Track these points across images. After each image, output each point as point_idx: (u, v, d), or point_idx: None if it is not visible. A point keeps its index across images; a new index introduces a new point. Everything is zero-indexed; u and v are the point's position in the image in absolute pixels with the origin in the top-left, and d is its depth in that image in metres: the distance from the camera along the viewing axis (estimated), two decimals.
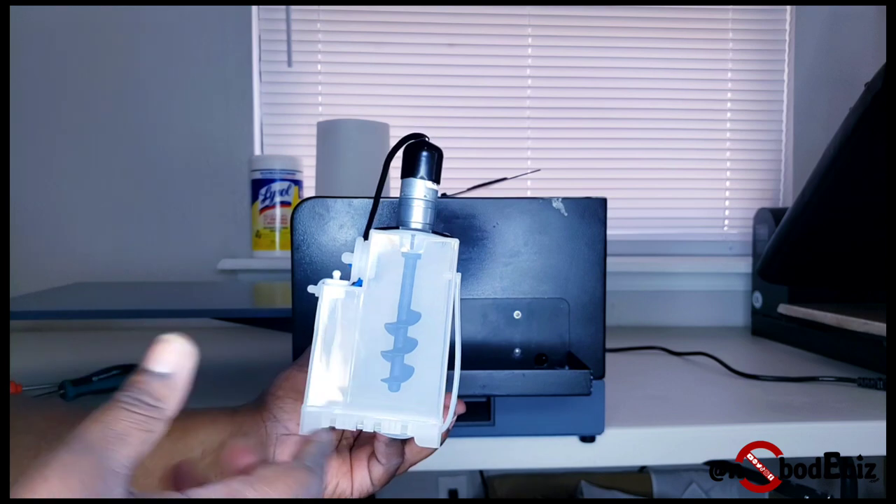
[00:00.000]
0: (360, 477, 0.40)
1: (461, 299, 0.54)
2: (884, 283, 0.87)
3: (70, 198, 1.26)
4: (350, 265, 0.39)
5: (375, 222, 0.42)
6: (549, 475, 1.31)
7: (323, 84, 1.35)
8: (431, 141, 0.40)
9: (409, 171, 0.40)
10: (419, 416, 0.35)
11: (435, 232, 0.40)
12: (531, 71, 1.38)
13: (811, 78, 1.38)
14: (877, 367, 0.84)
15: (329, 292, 0.38)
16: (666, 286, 1.33)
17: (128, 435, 0.23)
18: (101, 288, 1.03)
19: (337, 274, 0.39)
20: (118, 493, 0.22)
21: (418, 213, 0.39)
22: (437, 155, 0.40)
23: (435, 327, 0.37)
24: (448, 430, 0.41)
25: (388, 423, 0.35)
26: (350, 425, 0.35)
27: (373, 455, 0.40)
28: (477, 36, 1.36)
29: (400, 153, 0.40)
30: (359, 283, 0.38)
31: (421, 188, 0.39)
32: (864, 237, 0.82)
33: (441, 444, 0.41)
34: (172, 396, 0.25)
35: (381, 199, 0.44)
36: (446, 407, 0.37)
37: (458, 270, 0.39)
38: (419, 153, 0.39)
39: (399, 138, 0.41)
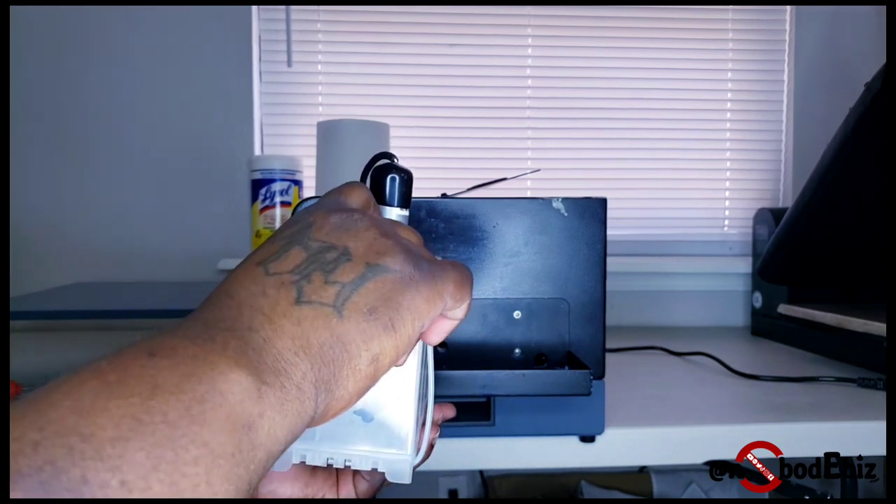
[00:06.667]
0: (346, 491, 0.40)
1: None
2: (883, 283, 0.87)
3: (70, 197, 1.26)
4: None
5: None
6: (549, 475, 1.31)
7: (323, 84, 1.35)
8: (402, 163, 0.38)
9: (376, 196, 0.36)
10: (390, 449, 0.34)
11: None
12: (531, 71, 1.38)
13: (811, 78, 1.38)
14: (877, 367, 0.84)
15: None
16: (666, 286, 1.33)
17: None
18: (101, 288, 1.03)
19: None
20: None
21: None
22: (405, 178, 0.37)
23: (408, 357, 0.36)
24: (432, 446, 0.41)
25: (357, 458, 0.34)
26: (320, 461, 0.34)
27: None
28: (477, 36, 1.36)
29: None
30: None
31: (391, 216, 0.37)
32: (864, 237, 0.82)
33: (427, 454, 0.41)
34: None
35: None
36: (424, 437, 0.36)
37: None
38: (385, 178, 0.37)
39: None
